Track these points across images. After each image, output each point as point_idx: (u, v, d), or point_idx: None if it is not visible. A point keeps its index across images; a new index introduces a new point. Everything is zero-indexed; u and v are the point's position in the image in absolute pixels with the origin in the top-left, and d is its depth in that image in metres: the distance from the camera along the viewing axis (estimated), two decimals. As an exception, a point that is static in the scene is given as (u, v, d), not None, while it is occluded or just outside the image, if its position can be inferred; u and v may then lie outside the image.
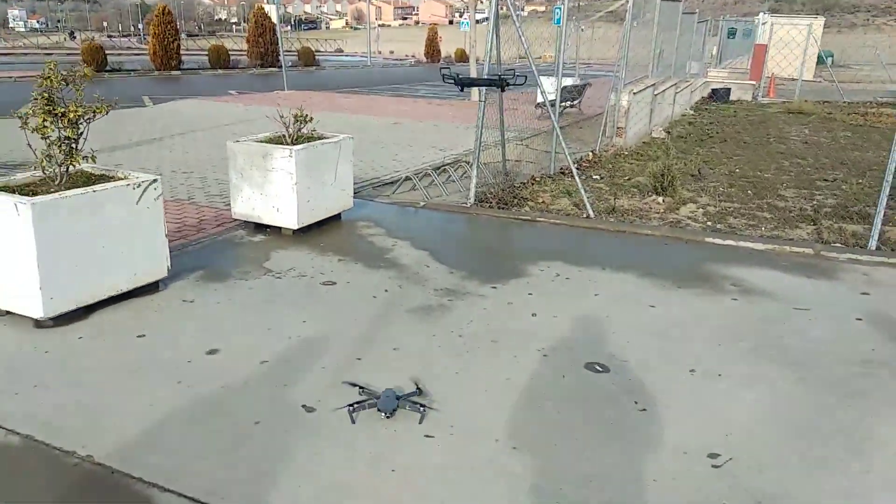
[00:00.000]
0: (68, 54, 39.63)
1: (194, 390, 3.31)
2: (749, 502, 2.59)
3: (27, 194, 3.83)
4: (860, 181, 8.80)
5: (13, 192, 3.87)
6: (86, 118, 4.02)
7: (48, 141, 3.96)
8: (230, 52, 30.72)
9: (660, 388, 3.41)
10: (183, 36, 33.03)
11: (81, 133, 4.05)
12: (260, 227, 5.80)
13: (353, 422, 3.07)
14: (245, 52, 31.59)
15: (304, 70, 31.57)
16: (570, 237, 6.09)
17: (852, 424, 3.14)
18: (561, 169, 8.59)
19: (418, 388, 3.32)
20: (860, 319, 4.29)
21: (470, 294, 4.59)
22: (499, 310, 4.36)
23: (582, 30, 21.86)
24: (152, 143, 10.30)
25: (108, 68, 24.02)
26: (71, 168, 4.10)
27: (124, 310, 4.19)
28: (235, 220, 5.93)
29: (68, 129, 3.96)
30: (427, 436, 2.99)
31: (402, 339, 3.92)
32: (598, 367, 3.61)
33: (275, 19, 28.27)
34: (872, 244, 5.59)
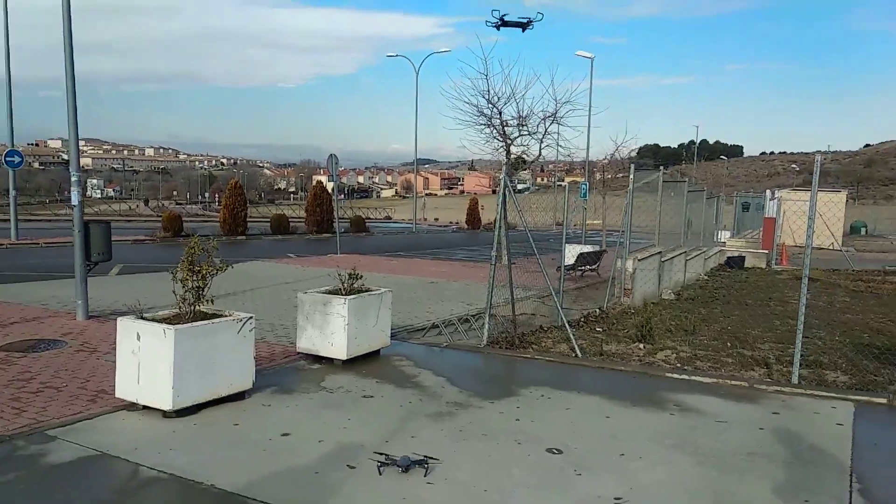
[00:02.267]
0: (145, 220, 44.15)
1: (275, 455, 4.91)
2: (632, 522, 4.02)
3: (167, 324, 5.68)
4: (837, 338, 10.11)
5: (159, 322, 5.74)
6: (212, 273, 5.96)
7: (185, 288, 5.88)
8: (289, 219, 34.23)
9: (595, 463, 4.88)
10: (246, 204, 37.00)
11: (207, 284, 5.96)
12: (317, 359, 7.54)
13: (380, 473, 4.60)
14: (303, 220, 35.13)
15: (356, 235, 34.77)
16: (558, 371, 7.65)
17: (721, 487, 4.54)
18: (568, 321, 10.23)
19: (426, 458, 4.85)
20: (762, 429, 5.70)
21: (472, 406, 6.16)
22: (492, 416, 5.90)
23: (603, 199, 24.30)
24: (226, 297, 12.36)
25: (183, 234, 27.23)
26: (196, 307, 5.98)
27: (222, 409, 5.88)
28: (298, 353, 7.70)
29: (199, 281, 5.89)
30: (429, 483, 4.50)
31: (418, 431, 5.48)
32: (555, 451, 5.10)
33: (331, 191, 31.81)
34: (794, 378, 7.01)
